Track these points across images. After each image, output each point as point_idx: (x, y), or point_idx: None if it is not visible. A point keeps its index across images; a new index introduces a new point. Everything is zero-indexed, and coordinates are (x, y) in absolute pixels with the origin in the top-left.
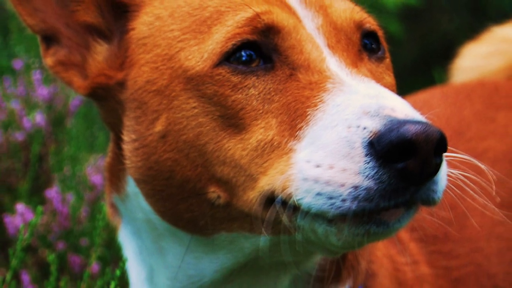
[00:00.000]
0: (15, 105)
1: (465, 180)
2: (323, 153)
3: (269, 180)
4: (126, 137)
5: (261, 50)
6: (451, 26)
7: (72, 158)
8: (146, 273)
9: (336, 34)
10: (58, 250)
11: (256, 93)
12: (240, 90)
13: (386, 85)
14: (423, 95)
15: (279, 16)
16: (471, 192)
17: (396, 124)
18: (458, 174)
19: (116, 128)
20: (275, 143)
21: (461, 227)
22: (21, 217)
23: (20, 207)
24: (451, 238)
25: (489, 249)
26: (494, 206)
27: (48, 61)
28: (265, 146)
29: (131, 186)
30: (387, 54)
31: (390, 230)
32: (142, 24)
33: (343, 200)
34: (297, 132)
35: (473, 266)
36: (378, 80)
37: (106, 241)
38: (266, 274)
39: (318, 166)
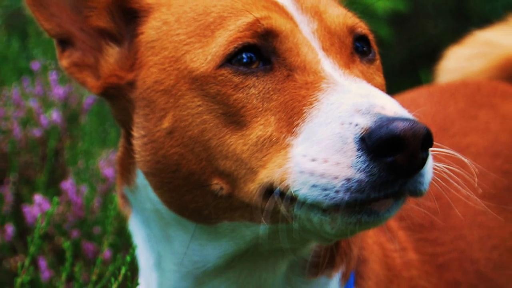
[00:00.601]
0: (33, 104)
1: (450, 173)
2: (318, 148)
3: (268, 173)
4: (136, 133)
5: (261, 53)
6: (437, 31)
7: (86, 152)
8: (154, 259)
9: (330, 38)
10: (72, 237)
11: (256, 92)
12: (241, 90)
13: (376, 85)
14: (411, 94)
15: (277, 21)
16: (455, 184)
17: (385, 121)
18: (443, 167)
19: (126, 125)
20: (273, 139)
21: (446, 216)
22: (39, 207)
23: (37, 198)
24: (436, 227)
25: (471, 236)
26: (476, 197)
27: (64, 63)
28: (264, 141)
29: (140, 179)
30: (377, 56)
31: (380, 219)
32: (151, 29)
33: (337, 192)
34: (294, 129)
35: (457, 252)
36: (369, 80)
37: (117, 229)
38: (265, 260)
39: (313, 160)
